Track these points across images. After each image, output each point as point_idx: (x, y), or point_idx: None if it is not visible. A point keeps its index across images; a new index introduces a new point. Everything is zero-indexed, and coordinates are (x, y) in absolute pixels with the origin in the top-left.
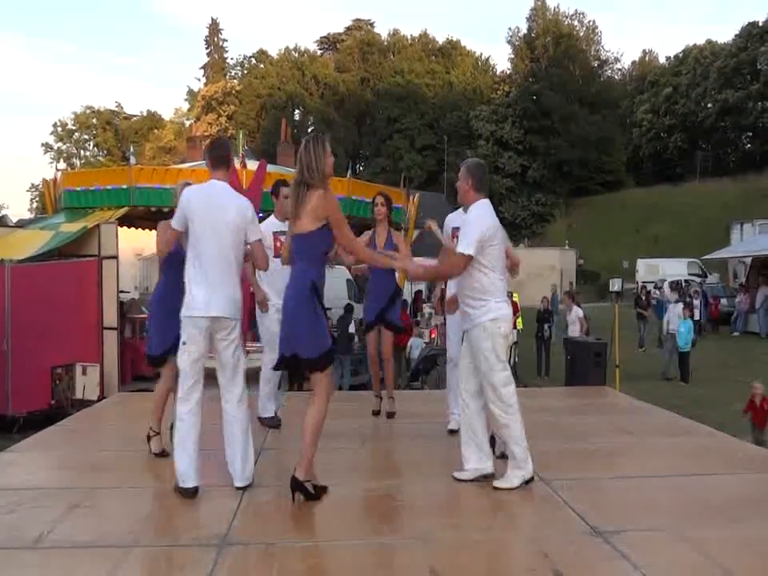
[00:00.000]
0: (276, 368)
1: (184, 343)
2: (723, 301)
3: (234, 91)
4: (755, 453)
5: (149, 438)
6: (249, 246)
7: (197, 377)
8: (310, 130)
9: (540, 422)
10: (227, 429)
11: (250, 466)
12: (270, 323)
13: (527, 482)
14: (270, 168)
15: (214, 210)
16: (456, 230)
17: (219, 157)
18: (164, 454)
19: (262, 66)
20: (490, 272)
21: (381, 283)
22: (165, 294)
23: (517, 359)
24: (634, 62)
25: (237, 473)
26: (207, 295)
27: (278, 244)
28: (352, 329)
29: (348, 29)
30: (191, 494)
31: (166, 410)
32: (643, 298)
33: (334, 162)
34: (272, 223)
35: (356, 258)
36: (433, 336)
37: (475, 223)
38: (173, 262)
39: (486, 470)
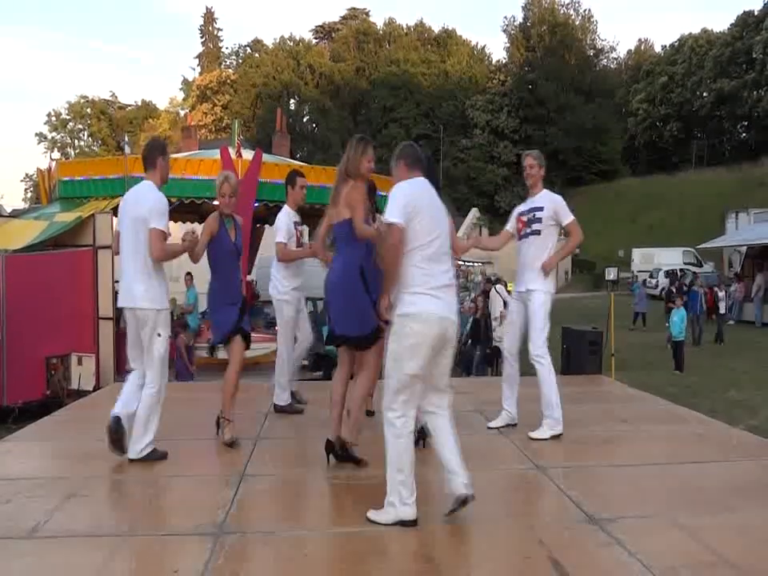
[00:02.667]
0: (327, 343)
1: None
2: (716, 290)
3: (228, 80)
4: (749, 440)
5: (217, 423)
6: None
7: (136, 360)
8: (305, 120)
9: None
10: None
11: (140, 446)
12: (289, 311)
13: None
14: (265, 157)
15: (128, 208)
16: (522, 214)
17: (144, 158)
18: (235, 443)
19: (257, 55)
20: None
21: None
22: (215, 287)
23: None
24: (629, 51)
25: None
26: (124, 288)
27: (299, 234)
28: None
29: (343, 18)
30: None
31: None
32: (674, 290)
33: (371, 167)
34: (288, 214)
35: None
36: None
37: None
38: (218, 257)
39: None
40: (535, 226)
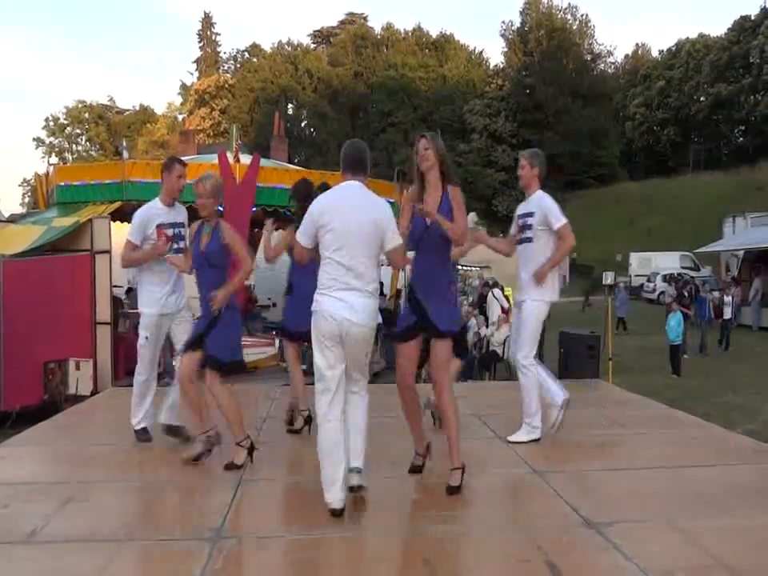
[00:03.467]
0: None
1: None
2: (715, 294)
3: (227, 85)
4: (746, 444)
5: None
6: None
7: None
8: (303, 124)
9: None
10: None
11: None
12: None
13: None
14: (263, 162)
15: None
16: (519, 218)
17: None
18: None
19: (255, 59)
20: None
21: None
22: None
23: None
24: (626, 56)
25: None
26: None
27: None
28: None
29: (341, 22)
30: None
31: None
32: (686, 294)
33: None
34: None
35: None
36: None
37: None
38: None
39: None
40: (527, 233)
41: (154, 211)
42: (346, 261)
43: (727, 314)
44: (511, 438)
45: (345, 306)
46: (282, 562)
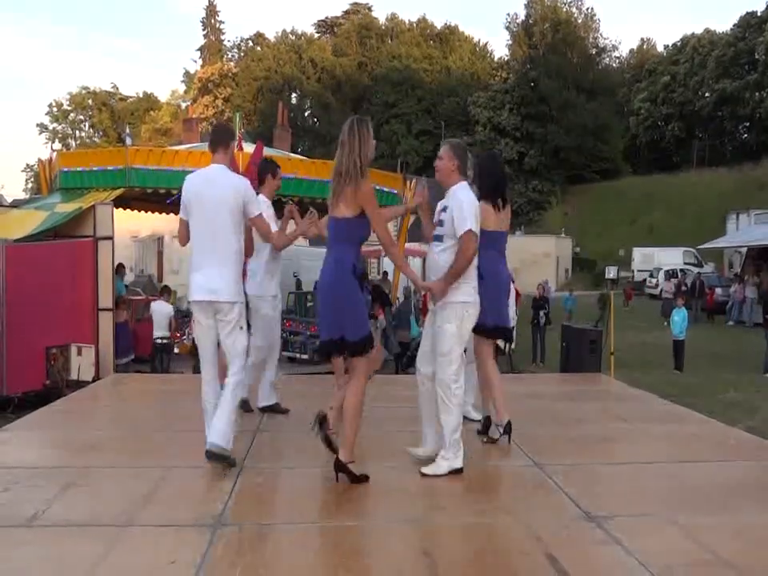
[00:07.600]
0: (321, 353)
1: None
2: (718, 290)
3: (230, 73)
4: (747, 440)
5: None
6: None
7: (208, 357)
8: (306, 114)
9: (534, 408)
10: (219, 402)
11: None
12: (267, 309)
13: (455, 471)
14: (266, 151)
15: (208, 191)
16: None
17: (213, 141)
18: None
19: (258, 48)
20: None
21: None
22: None
23: (513, 346)
24: (631, 50)
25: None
26: (204, 279)
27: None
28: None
29: (346, 12)
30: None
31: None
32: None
33: (375, 145)
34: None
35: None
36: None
37: (467, 203)
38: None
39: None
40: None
41: None
42: None
43: None
44: None
45: None
46: (281, 550)
